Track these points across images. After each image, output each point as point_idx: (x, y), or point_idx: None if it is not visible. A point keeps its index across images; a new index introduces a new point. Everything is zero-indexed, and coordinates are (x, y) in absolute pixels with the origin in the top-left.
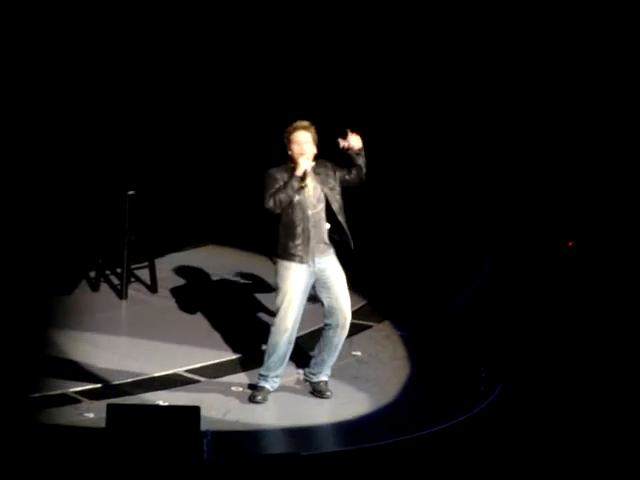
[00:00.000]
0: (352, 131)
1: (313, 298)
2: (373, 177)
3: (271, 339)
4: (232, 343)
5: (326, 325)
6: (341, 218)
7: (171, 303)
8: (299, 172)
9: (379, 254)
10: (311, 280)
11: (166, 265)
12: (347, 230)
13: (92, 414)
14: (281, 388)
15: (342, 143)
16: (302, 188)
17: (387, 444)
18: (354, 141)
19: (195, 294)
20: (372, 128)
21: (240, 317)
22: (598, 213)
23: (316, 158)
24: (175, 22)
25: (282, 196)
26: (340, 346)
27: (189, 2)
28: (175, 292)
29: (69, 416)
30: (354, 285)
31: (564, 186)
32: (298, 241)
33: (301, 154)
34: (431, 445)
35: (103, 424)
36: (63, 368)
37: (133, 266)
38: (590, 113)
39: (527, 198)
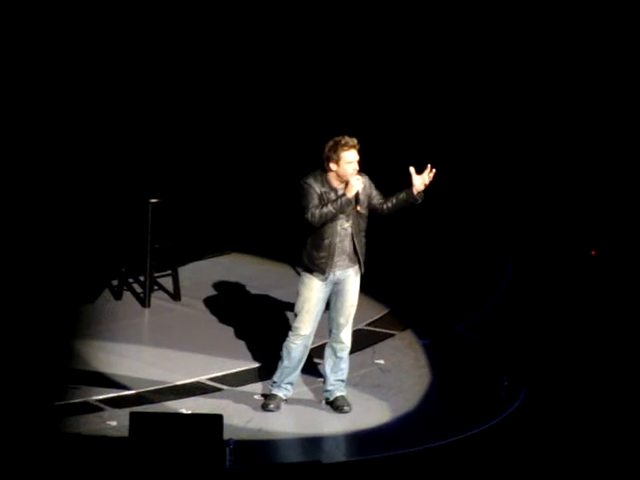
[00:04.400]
0: (431, 170)
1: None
2: (395, 184)
3: (287, 343)
4: (255, 351)
5: (329, 337)
6: (357, 241)
7: (194, 311)
8: (351, 194)
9: (401, 263)
10: (329, 289)
11: (189, 273)
12: (360, 254)
13: (115, 422)
14: (303, 397)
15: (413, 175)
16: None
17: (409, 453)
18: (421, 182)
19: (218, 302)
20: (393, 131)
21: (263, 325)
22: (621, 222)
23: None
24: (204, 33)
25: (329, 213)
26: (342, 364)
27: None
28: (198, 300)
29: (92, 424)
30: (376, 294)
31: (587, 195)
32: (323, 253)
33: (352, 174)
34: (453, 454)
35: (126, 432)
36: (86, 376)
37: (156, 274)
38: (616, 125)
39: (550, 207)
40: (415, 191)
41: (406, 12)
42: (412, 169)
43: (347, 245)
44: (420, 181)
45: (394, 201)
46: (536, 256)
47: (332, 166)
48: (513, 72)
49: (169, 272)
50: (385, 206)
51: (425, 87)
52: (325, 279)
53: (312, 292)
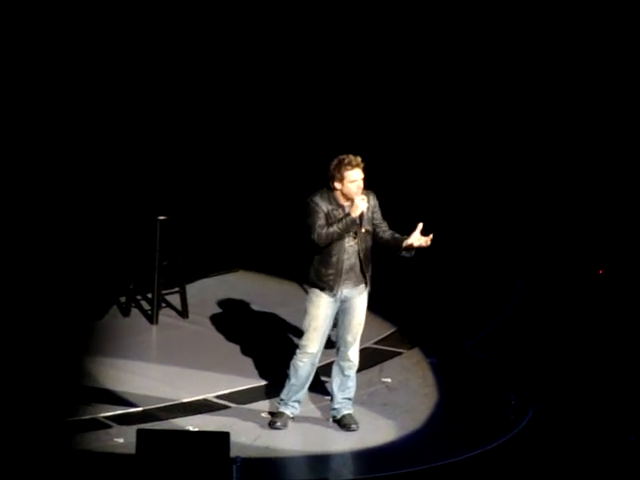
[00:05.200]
0: (430, 238)
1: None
2: (405, 206)
3: (294, 361)
4: (262, 369)
5: (337, 355)
6: (363, 258)
7: (202, 329)
8: (356, 213)
9: (408, 280)
10: (337, 306)
11: (196, 291)
12: (367, 271)
13: (122, 439)
14: (310, 415)
15: (418, 233)
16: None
17: (417, 471)
18: (414, 239)
19: (225, 320)
20: (399, 149)
21: (270, 343)
22: (629, 242)
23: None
24: (218, 52)
25: (334, 233)
26: (349, 382)
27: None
28: (205, 318)
29: (99, 441)
30: (384, 312)
31: (595, 214)
32: (331, 270)
33: (357, 193)
34: (461, 473)
35: (133, 449)
36: (93, 393)
37: (164, 291)
38: (630, 146)
39: (558, 227)
40: (405, 243)
41: (419, 35)
42: (420, 225)
43: (354, 262)
44: (415, 238)
45: (388, 237)
46: (544, 276)
47: (337, 185)
48: (524, 88)
49: (177, 289)
50: (379, 236)
51: (432, 104)
52: (334, 296)
53: (320, 310)
